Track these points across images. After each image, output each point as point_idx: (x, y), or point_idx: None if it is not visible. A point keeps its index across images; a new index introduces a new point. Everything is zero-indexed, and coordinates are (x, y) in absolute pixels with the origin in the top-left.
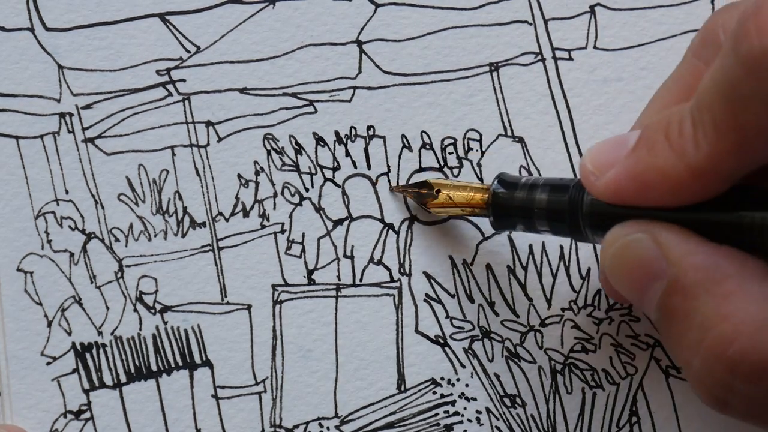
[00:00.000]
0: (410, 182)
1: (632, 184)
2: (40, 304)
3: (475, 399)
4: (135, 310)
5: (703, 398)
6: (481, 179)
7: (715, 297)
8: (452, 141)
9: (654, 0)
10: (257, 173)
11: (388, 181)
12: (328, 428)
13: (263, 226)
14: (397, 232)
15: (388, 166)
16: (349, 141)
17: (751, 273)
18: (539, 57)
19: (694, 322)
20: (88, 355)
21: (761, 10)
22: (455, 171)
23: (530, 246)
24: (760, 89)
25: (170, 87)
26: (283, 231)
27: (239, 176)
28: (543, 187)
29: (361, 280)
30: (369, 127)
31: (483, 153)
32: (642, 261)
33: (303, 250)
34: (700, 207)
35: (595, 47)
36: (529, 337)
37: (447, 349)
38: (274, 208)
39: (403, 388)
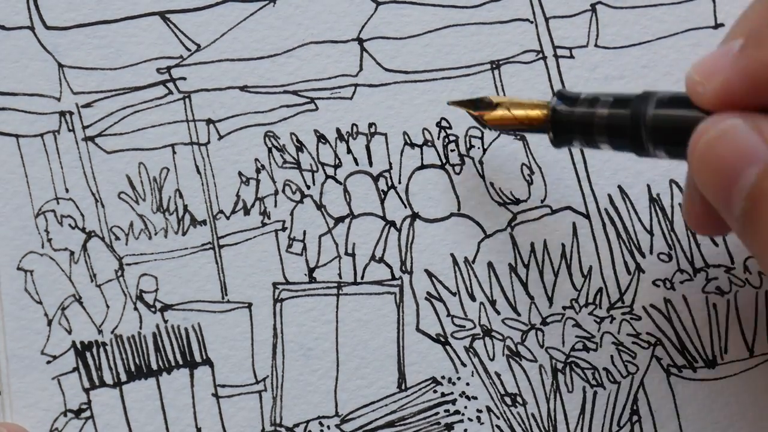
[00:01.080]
0: (468, 98)
1: (744, 84)
2: (40, 302)
3: (475, 398)
4: (135, 308)
5: None
6: (483, 177)
7: None
8: (454, 138)
9: None
10: (258, 171)
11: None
12: (328, 427)
13: (264, 224)
14: (399, 230)
15: (390, 164)
16: (350, 138)
17: None
18: (540, 55)
19: None
20: (88, 354)
21: None
22: (457, 168)
23: (532, 244)
24: None
25: (170, 85)
26: (284, 229)
27: (240, 174)
28: (604, 101)
29: (362, 278)
30: (371, 125)
31: (485, 150)
32: (738, 146)
33: (304, 248)
34: None
35: (596, 45)
36: (530, 336)
37: (448, 347)
38: (275, 206)
39: (403, 387)
